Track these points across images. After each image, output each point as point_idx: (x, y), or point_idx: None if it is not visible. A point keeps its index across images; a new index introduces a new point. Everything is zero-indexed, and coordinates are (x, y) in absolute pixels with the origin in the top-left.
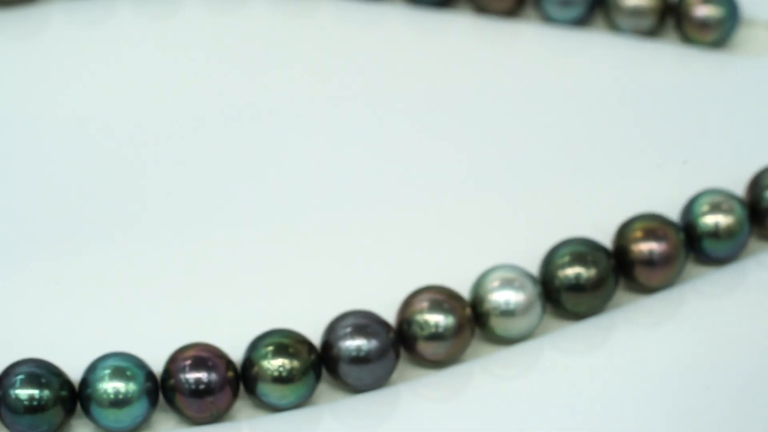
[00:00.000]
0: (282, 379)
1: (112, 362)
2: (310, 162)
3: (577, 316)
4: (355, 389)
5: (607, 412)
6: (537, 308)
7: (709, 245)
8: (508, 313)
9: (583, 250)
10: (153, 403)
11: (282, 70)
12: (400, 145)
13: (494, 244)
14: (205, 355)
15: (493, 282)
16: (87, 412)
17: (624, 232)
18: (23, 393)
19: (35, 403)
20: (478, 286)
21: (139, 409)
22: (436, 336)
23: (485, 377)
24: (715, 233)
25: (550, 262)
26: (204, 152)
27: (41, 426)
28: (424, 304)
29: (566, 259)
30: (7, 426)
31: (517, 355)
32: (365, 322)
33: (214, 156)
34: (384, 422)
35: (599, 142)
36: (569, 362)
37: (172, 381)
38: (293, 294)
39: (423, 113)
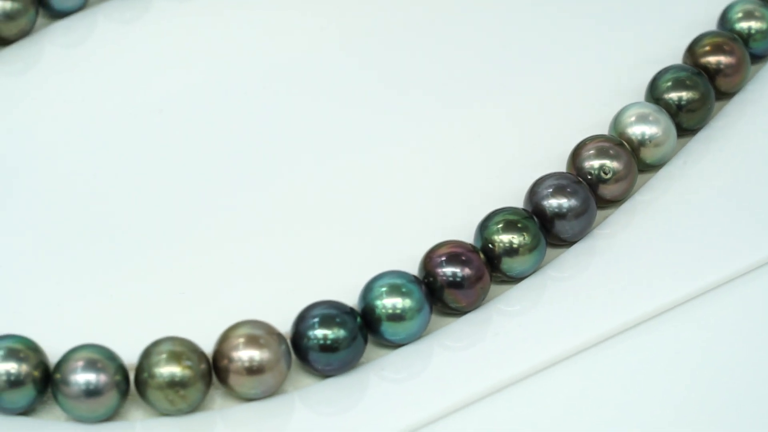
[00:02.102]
0: (516, 251)
1: (386, 280)
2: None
3: (693, 132)
4: (563, 243)
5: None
6: (673, 135)
7: (754, 45)
8: (650, 143)
9: (681, 75)
10: (431, 309)
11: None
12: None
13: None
14: (458, 251)
15: (630, 117)
16: (375, 332)
17: (694, 49)
18: (320, 333)
19: (329, 342)
20: (617, 123)
21: (421, 319)
22: (617, 178)
23: (648, 209)
24: (753, 35)
25: (655, 89)
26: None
27: (335, 362)
28: (592, 152)
29: (669, 84)
30: (314, 368)
31: (659, 180)
32: (564, 182)
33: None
34: (588, 269)
35: None
36: (703, 176)
37: (440, 280)
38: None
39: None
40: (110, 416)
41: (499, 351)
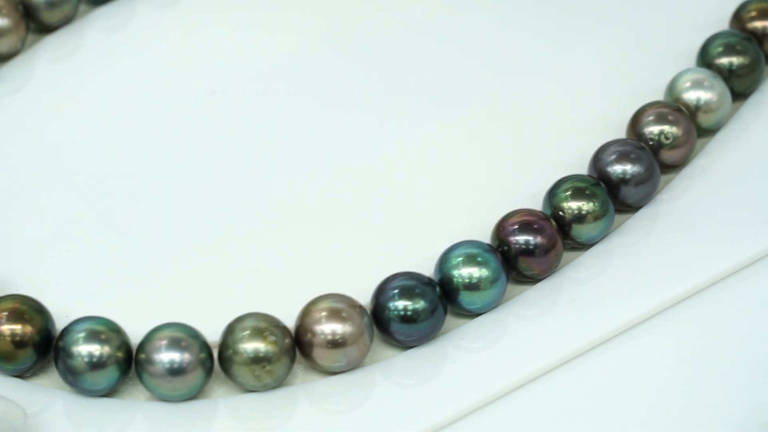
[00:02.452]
0: (585, 218)
1: (462, 250)
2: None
3: (744, 96)
4: (631, 207)
5: None
6: (728, 100)
7: None
8: (705, 108)
9: (732, 40)
10: (507, 278)
11: None
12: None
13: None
14: (530, 219)
15: (685, 83)
16: (453, 302)
17: (741, 14)
18: (401, 304)
19: (410, 313)
20: (672, 89)
21: (498, 288)
22: (677, 144)
23: (708, 173)
24: None
25: (705, 54)
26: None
27: (416, 333)
28: (651, 118)
29: (720, 49)
30: (396, 339)
31: (716, 145)
32: (628, 149)
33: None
34: (654, 234)
35: None
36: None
37: (513, 248)
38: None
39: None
40: (195, 395)
41: (575, 318)
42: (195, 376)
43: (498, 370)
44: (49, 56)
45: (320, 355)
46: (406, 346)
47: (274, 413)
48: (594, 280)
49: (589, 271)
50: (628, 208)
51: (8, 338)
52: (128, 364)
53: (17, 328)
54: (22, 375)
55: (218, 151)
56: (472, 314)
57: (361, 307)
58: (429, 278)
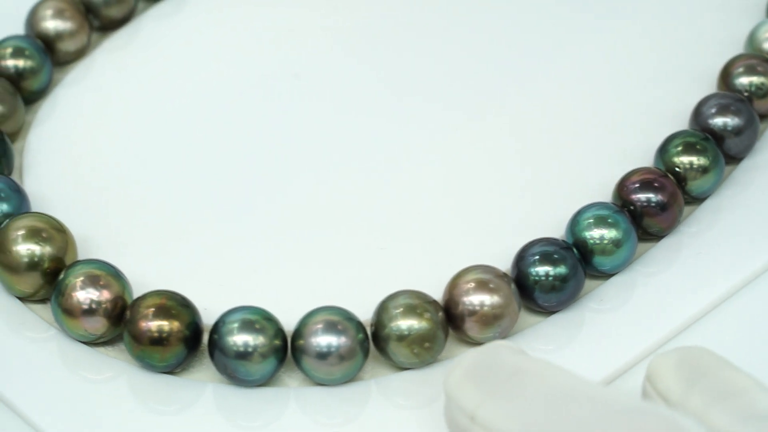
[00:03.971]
0: (699, 172)
1: (592, 212)
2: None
3: None
4: (733, 159)
5: None
6: None
7: None
8: None
9: None
10: (637, 237)
11: None
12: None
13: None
14: (650, 177)
15: (765, 34)
16: (587, 264)
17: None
18: (543, 270)
19: (551, 278)
20: (752, 40)
21: (629, 248)
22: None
23: None
24: None
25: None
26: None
27: (559, 298)
28: (741, 70)
29: None
30: (539, 305)
31: None
32: (728, 101)
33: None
34: (762, 185)
35: None
36: None
37: (638, 207)
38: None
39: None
40: (353, 376)
41: (705, 271)
42: (356, 359)
43: (636, 331)
44: (113, 52)
45: (472, 327)
46: (548, 311)
47: (424, 390)
48: (709, 232)
49: (701, 225)
50: (731, 159)
51: (155, 334)
52: (284, 351)
53: (165, 324)
54: (172, 371)
55: (318, 138)
56: (604, 275)
57: (506, 276)
58: (566, 242)
